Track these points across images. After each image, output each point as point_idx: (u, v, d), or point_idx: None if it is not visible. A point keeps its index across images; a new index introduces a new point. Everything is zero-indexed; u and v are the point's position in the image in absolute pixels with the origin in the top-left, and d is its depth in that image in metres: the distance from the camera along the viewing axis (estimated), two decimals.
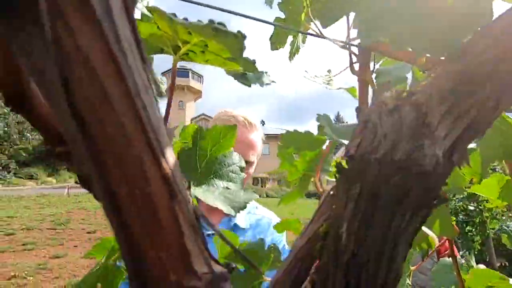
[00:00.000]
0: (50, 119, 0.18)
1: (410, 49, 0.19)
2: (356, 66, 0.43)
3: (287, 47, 0.54)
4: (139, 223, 0.08)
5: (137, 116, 0.08)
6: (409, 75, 0.52)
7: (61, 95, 0.07)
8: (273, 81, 0.31)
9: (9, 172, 20.30)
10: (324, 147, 0.43)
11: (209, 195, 0.29)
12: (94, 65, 0.07)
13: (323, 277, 0.20)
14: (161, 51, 0.32)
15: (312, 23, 0.51)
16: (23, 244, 6.33)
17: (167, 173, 0.08)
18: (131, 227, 0.08)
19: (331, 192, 0.26)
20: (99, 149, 0.07)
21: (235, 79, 0.31)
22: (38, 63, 0.07)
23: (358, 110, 0.24)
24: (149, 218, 0.08)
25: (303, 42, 0.54)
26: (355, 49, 0.44)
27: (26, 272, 5.07)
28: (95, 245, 0.45)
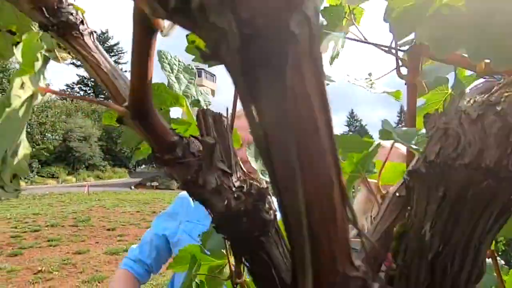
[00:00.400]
0: (162, 133, 0.21)
1: (487, 61, 0.20)
2: (403, 70, 0.44)
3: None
4: (321, 221, 0.10)
5: (331, 139, 0.10)
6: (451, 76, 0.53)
7: (285, 128, 0.09)
8: (332, 81, 0.32)
9: (32, 171, 21.15)
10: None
11: None
12: (312, 100, 0.09)
13: (406, 274, 0.21)
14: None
15: (353, 28, 0.52)
16: (48, 240, 6.60)
17: (343, 182, 0.10)
18: (314, 225, 0.10)
19: (397, 194, 0.28)
20: (304, 164, 0.09)
21: None
22: (265, 107, 0.09)
23: (426, 117, 0.25)
24: (329, 217, 0.10)
25: (342, 46, 0.55)
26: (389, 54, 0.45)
27: (52, 267, 5.29)
28: (175, 258, 0.49)
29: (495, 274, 0.63)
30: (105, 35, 42.22)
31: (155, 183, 23.00)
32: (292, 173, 0.09)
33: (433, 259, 0.20)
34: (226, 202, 0.22)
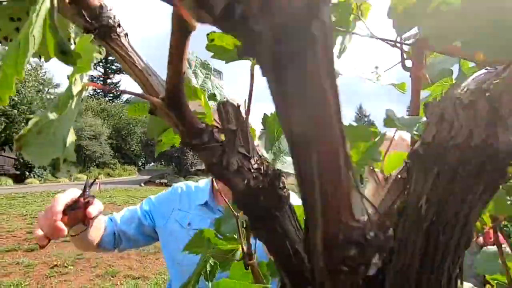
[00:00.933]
0: (192, 121, 0.24)
1: (482, 53, 0.23)
2: (408, 63, 0.46)
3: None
4: (329, 182, 0.13)
5: (339, 114, 0.13)
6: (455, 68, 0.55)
7: (303, 103, 0.12)
8: (339, 74, 0.35)
9: (45, 170, 21.65)
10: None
11: (288, 168, 0.36)
12: (323, 82, 0.12)
13: (404, 244, 0.24)
14: (240, 58, 0.38)
15: (360, 23, 0.55)
16: None
17: (348, 152, 0.13)
18: (324, 186, 0.13)
19: (399, 176, 0.31)
20: (318, 134, 0.12)
21: None
22: (290, 87, 0.12)
23: (426, 106, 0.28)
24: (336, 179, 0.13)
25: (350, 41, 0.58)
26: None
27: (67, 262, 5.45)
28: (191, 240, 0.52)
29: (499, 261, 0.65)
30: None
31: (164, 180, 23.32)
32: (307, 144, 0.12)
33: (427, 228, 0.23)
34: (246, 181, 0.25)
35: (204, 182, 1.18)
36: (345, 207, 0.14)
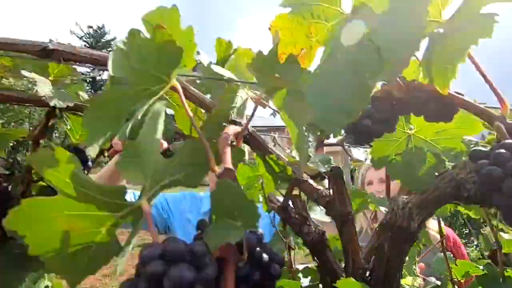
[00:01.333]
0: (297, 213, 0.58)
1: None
2: None
3: None
4: (351, 250, 0.46)
5: (353, 233, 0.46)
6: None
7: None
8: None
9: None
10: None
11: (317, 215, 0.69)
12: (352, 231, 0.44)
13: (379, 262, 0.59)
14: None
15: None
16: None
17: (357, 241, 0.46)
18: (350, 252, 0.46)
19: (377, 229, 0.65)
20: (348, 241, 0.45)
21: None
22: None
23: (390, 201, 0.62)
24: (354, 248, 0.46)
25: None
26: None
27: None
28: None
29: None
30: (101, 30, 41.75)
31: None
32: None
33: (387, 258, 0.57)
34: (311, 238, 0.59)
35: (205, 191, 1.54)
36: (356, 254, 0.47)
